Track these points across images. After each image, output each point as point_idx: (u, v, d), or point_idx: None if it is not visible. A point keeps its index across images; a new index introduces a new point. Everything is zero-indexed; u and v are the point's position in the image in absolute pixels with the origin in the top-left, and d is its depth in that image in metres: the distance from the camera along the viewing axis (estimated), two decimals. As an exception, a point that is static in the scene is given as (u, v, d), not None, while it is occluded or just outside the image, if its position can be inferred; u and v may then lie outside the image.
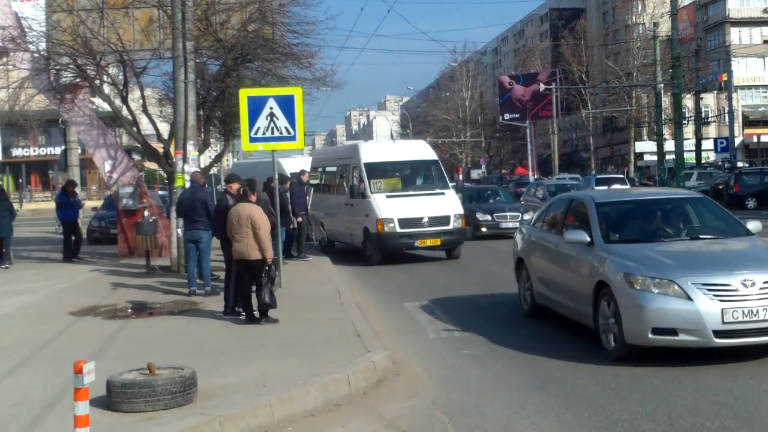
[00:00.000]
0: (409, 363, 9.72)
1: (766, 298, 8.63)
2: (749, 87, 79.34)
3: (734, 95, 63.34)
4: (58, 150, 61.93)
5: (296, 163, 28.10)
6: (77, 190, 24.49)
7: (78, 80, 20.37)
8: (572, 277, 10.60)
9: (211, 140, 24.76)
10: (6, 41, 19.58)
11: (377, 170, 20.82)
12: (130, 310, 13.48)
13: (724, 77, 64.66)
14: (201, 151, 19.66)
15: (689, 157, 53.87)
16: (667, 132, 57.96)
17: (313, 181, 24.66)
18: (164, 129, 21.58)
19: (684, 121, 50.66)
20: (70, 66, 19.84)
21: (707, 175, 47.82)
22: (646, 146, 73.13)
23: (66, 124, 37.27)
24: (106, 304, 14.05)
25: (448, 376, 9.08)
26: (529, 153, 77.54)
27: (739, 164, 55.86)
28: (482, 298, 14.38)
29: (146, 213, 20.18)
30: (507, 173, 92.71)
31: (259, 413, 7.46)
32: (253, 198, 12.25)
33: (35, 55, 20.22)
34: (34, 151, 63.19)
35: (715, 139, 56.63)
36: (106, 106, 21.68)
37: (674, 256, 9.66)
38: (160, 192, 32.56)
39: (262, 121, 14.94)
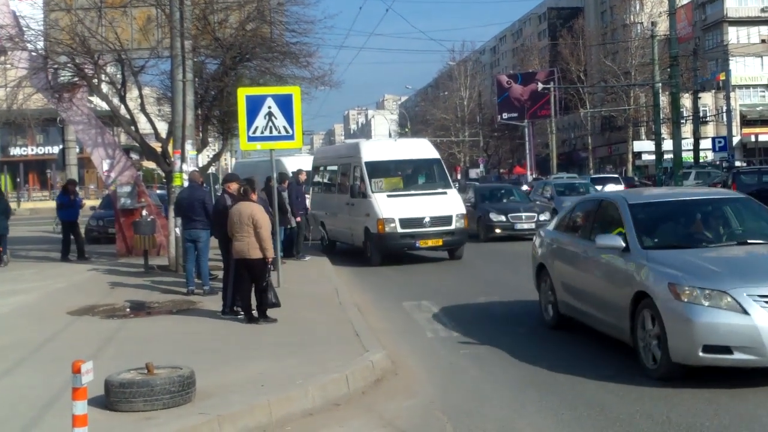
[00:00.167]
0: (408, 362, 9.72)
1: None
2: (747, 86, 79.39)
3: (732, 94, 63.43)
4: (56, 149, 61.90)
5: (298, 162, 28.06)
6: (76, 189, 24.43)
7: (76, 79, 20.34)
8: (605, 286, 9.63)
9: (210, 139, 24.76)
10: (4, 40, 19.53)
11: (378, 169, 20.53)
12: (128, 310, 13.47)
13: (722, 77, 64.74)
14: (199, 151, 19.64)
15: (687, 156, 53.94)
16: (665, 131, 58.00)
17: (315, 180, 24.57)
18: (162, 128, 21.56)
19: (682, 121, 50.58)
20: (68, 65, 19.81)
21: (705, 174, 47.83)
22: (644, 145, 73.17)
23: (64, 123, 37.28)
24: (104, 303, 14.03)
25: (447, 376, 9.08)
26: (527, 152, 77.59)
27: (737, 163, 55.87)
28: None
29: (144, 212, 20.17)
30: (505, 172, 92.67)
31: (258, 413, 7.46)
32: (254, 197, 12.25)
33: (33, 54, 20.20)
34: (32, 150, 63.15)
35: (713, 139, 56.71)
36: (104, 105, 21.66)
37: (724, 263, 8.70)
38: (158, 191, 32.55)
39: (260, 121, 14.93)
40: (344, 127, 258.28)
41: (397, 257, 19.86)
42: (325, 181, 24.36)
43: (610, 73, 76.81)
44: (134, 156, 48.06)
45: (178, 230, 16.79)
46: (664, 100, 57.55)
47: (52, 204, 49.47)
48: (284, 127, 14.97)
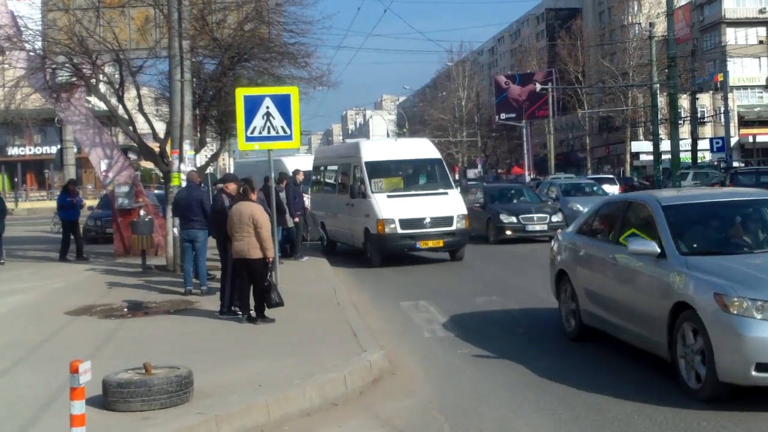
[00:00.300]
0: (406, 362, 9.73)
1: None
2: (745, 87, 79.40)
3: (730, 95, 63.40)
4: (53, 149, 61.88)
5: (298, 162, 28.02)
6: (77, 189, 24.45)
7: (74, 79, 20.33)
8: (637, 295, 8.78)
9: (208, 139, 24.77)
10: (2, 40, 19.52)
11: (378, 169, 20.31)
12: (126, 310, 13.46)
13: (720, 77, 64.71)
14: (197, 151, 19.65)
15: (685, 156, 54.03)
16: (663, 132, 58.07)
17: (316, 180, 24.46)
18: (160, 128, 21.53)
19: (680, 121, 50.74)
20: (66, 65, 19.80)
21: (703, 174, 47.86)
22: (642, 146, 73.21)
23: (62, 123, 37.27)
24: (101, 303, 14.03)
25: (445, 376, 9.09)
26: (525, 153, 77.54)
27: (735, 164, 55.91)
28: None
29: (142, 212, 20.18)
30: (503, 173, 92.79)
31: (256, 413, 7.46)
32: (254, 197, 12.26)
33: (31, 53, 20.19)
34: (30, 150, 63.12)
35: (711, 139, 56.76)
36: (102, 105, 21.67)
37: None
38: (155, 191, 32.54)
39: (258, 121, 14.91)
40: (342, 128, 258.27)
41: (396, 258, 19.71)
42: (326, 181, 24.14)
43: (608, 74, 76.86)
44: (132, 156, 48.13)
45: (175, 230, 16.79)
46: (662, 100, 57.59)
47: (50, 204, 49.59)
48: (282, 128, 14.96)
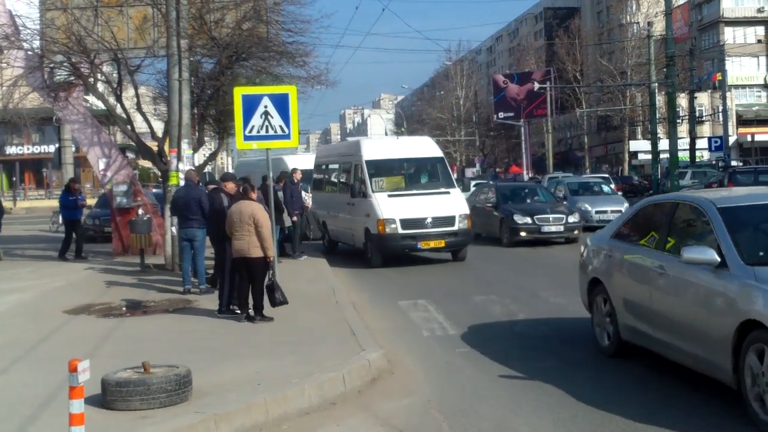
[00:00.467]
0: (404, 361, 9.73)
1: None
2: (743, 86, 79.46)
3: (728, 94, 63.46)
4: (52, 148, 61.81)
5: (300, 161, 27.98)
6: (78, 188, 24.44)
7: (72, 78, 20.33)
8: (692, 311, 7.69)
9: (206, 138, 24.74)
10: (0, 39, 19.51)
11: (379, 168, 20.03)
12: (124, 309, 13.46)
13: (719, 77, 64.79)
14: (195, 150, 19.63)
15: (683, 156, 54.07)
16: (661, 131, 58.15)
17: (317, 178, 24.31)
18: (158, 127, 21.53)
19: (678, 120, 50.80)
20: (64, 64, 19.79)
21: (701, 174, 47.89)
22: (640, 145, 73.31)
23: (60, 122, 37.27)
24: (100, 302, 14.03)
25: (443, 375, 9.09)
26: (523, 152, 77.59)
27: (733, 163, 55.94)
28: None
29: (140, 211, 20.17)
30: (501, 172, 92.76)
31: (254, 412, 7.46)
32: (254, 196, 12.26)
33: (29, 53, 20.17)
34: (28, 149, 63.07)
35: (710, 138, 56.79)
36: (100, 105, 21.64)
37: None
38: (154, 190, 32.53)
39: (256, 120, 14.92)
40: (340, 127, 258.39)
41: (396, 258, 19.49)
42: (327, 179, 23.85)
43: (607, 73, 76.93)
44: (130, 155, 48.16)
45: (174, 229, 16.80)
46: (660, 99, 57.70)
47: (49, 203, 49.61)
48: (280, 127, 14.96)
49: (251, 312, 11.79)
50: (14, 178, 63.18)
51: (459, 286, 15.96)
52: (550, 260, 19.90)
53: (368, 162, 19.86)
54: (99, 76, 20.01)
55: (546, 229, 23.09)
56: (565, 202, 25.58)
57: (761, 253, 7.48)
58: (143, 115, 20.79)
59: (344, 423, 7.54)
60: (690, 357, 7.77)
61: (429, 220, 18.93)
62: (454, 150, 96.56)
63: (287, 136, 15.10)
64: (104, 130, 23.80)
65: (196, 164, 19.25)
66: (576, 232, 23.15)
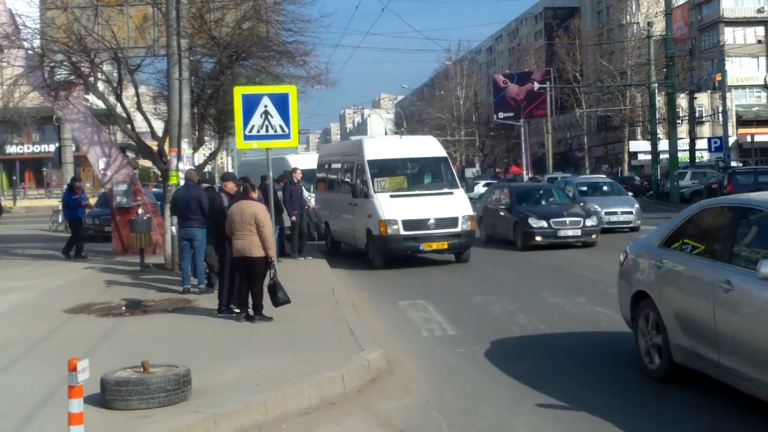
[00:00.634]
0: (404, 361, 9.73)
1: None
2: (743, 87, 79.46)
3: (728, 95, 63.44)
4: (52, 147, 61.79)
5: (303, 160, 27.91)
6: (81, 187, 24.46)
7: (72, 77, 20.32)
8: None
9: (206, 138, 24.74)
10: (0, 38, 19.52)
11: (381, 168, 19.73)
12: (124, 308, 13.46)
13: (718, 77, 64.81)
14: (195, 149, 19.63)
15: (683, 156, 54.09)
16: (661, 131, 58.20)
17: (320, 177, 24.13)
18: (158, 127, 21.53)
19: (678, 121, 50.82)
20: (65, 63, 19.79)
21: (701, 174, 47.90)
22: (640, 145, 73.32)
23: (60, 122, 37.27)
24: (100, 301, 14.03)
25: (443, 375, 9.09)
26: (523, 152, 77.61)
27: (733, 164, 55.97)
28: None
29: (140, 211, 20.17)
30: (501, 172, 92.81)
31: (253, 411, 7.46)
32: (254, 195, 12.26)
33: (29, 52, 20.17)
34: (28, 148, 63.05)
35: (709, 139, 56.76)
36: (101, 104, 21.66)
37: None
38: (154, 189, 32.54)
39: (256, 119, 14.92)
40: (340, 127, 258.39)
41: (397, 258, 19.21)
42: (329, 179, 23.47)
43: (607, 73, 76.93)
44: (130, 154, 48.11)
45: (174, 229, 16.79)
46: (660, 100, 57.71)
47: (49, 202, 49.59)
48: (280, 126, 14.96)
49: (251, 312, 11.80)
50: (14, 177, 63.18)
51: (458, 286, 15.96)
52: (555, 262, 19.84)
53: (370, 162, 19.60)
54: (99, 75, 20.00)
55: (562, 233, 22.05)
56: (581, 204, 24.52)
57: None
58: (143, 114, 20.78)
59: (343, 423, 7.54)
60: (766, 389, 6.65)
61: (432, 221, 18.61)
62: (454, 150, 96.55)
63: (287, 136, 15.10)
64: (104, 129, 23.80)
65: (196, 164, 19.25)
66: (594, 236, 22.28)
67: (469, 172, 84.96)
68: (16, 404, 7.70)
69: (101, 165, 21.64)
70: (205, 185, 15.02)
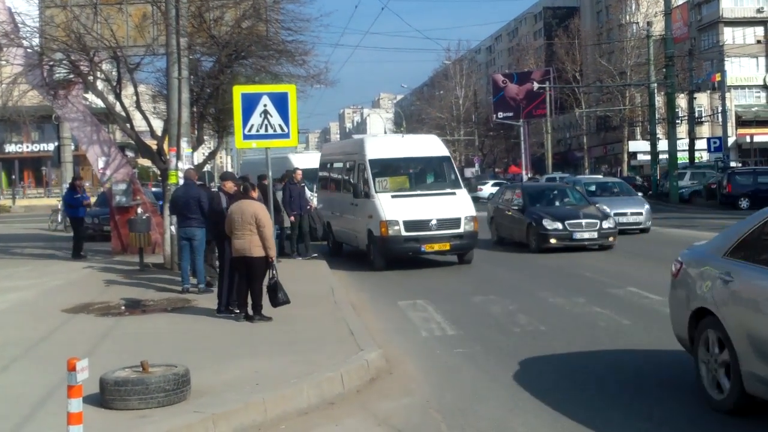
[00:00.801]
0: (403, 361, 9.72)
1: None
2: (742, 87, 79.50)
3: (727, 95, 63.52)
4: (51, 146, 61.73)
5: (306, 159, 27.82)
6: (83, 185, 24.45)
7: (71, 76, 20.32)
8: None
9: (205, 137, 24.75)
10: (-1, 36, 19.52)
11: (383, 167, 19.41)
12: (123, 308, 13.44)
13: (718, 77, 64.91)
14: (195, 148, 19.62)
15: (683, 156, 54.12)
16: (660, 131, 58.22)
17: (322, 176, 23.90)
18: (158, 126, 21.53)
19: (677, 121, 50.87)
20: (64, 62, 19.78)
21: (700, 174, 47.95)
22: (639, 145, 73.39)
23: (59, 121, 37.20)
24: (99, 301, 14.02)
25: (442, 375, 9.08)
26: (522, 152, 77.62)
27: (732, 164, 56.03)
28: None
29: (139, 210, 20.16)
30: (500, 172, 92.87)
31: (253, 411, 7.46)
32: (254, 195, 12.24)
33: (28, 50, 20.17)
34: (27, 147, 63.06)
35: (709, 139, 56.88)
36: (100, 103, 21.63)
37: None
38: (153, 189, 32.53)
39: (255, 119, 14.91)
40: (340, 126, 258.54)
41: (399, 260, 18.91)
42: (331, 178, 23.11)
43: (606, 73, 76.94)
44: (129, 153, 48.11)
45: (173, 228, 16.78)
46: (659, 100, 57.74)
47: (48, 201, 49.54)
48: (280, 125, 14.95)
49: (250, 311, 11.78)
50: (13, 176, 63.19)
51: (457, 286, 15.95)
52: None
53: (372, 161, 19.29)
54: (98, 74, 20.00)
55: (578, 235, 21.17)
56: (597, 205, 23.50)
57: None
58: (142, 113, 20.77)
59: (343, 423, 7.53)
60: None
61: (434, 221, 18.30)
62: (454, 150, 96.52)
63: (286, 135, 15.09)
64: (103, 128, 23.79)
65: (196, 163, 19.24)
66: (611, 238, 21.44)
67: (469, 172, 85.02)
68: (16, 404, 7.68)
69: (100, 164, 21.63)
70: (198, 183, 15.00)
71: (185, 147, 17.52)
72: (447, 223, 18.41)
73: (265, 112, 14.90)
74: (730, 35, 75.36)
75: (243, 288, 11.85)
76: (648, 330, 10.95)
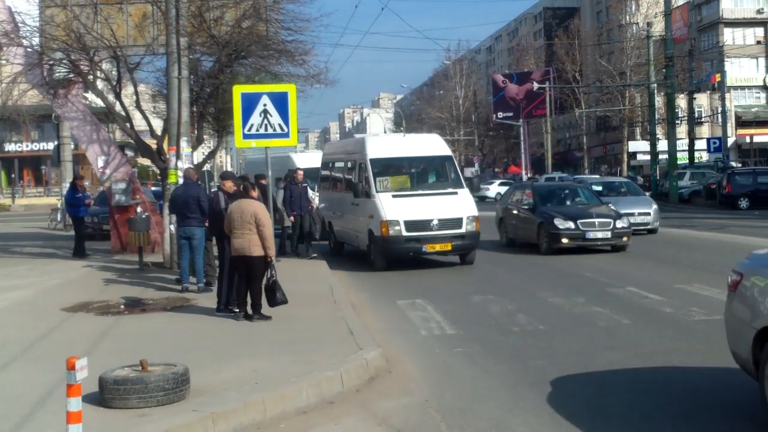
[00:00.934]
0: (402, 361, 9.71)
1: None
2: (742, 87, 79.56)
3: (727, 95, 63.53)
4: (51, 145, 61.74)
5: (308, 158, 27.75)
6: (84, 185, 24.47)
7: (71, 75, 20.33)
8: None
9: (205, 137, 24.74)
10: (-1, 36, 19.53)
11: (384, 167, 19.23)
12: (122, 306, 13.45)
13: (718, 78, 64.93)
14: (194, 148, 19.63)
15: (682, 157, 54.14)
16: (660, 132, 58.24)
17: (324, 175, 23.77)
18: (157, 125, 21.53)
19: (677, 121, 50.89)
20: (64, 61, 19.78)
21: (700, 174, 47.97)
22: (639, 146, 73.42)
23: (59, 120, 37.22)
24: (98, 300, 14.02)
25: (441, 375, 9.08)
26: (522, 152, 77.69)
27: (732, 164, 56.04)
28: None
29: (139, 209, 20.16)
30: (500, 171, 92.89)
31: (252, 410, 7.45)
32: (254, 194, 12.24)
33: (28, 49, 20.17)
34: (27, 146, 63.11)
35: (708, 139, 56.91)
36: (100, 102, 21.66)
37: None
38: (152, 188, 32.53)
39: (255, 118, 14.91)
40: (339, 126, 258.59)
41: (399, 260, 18.79)
42: (333, 177, 22.90)
43: (606, 73, 76.98)
44: (129, 153, 48.09)
45: (172, 227, 16.79)
46: (659, 100, 57.76)
47: (47, 200, 49.56)
48: (279, 125, 14.94)
49: (249, 311, 11.78)
50: (13, 175, 63.24)
51: (457, 286, 15.95)
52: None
53: (373, 160, 19.10)
54: (98, 73, 20.00)
55: (591, 235, 20.50)
56: (610, 204, 22.94)
57: None
58: (142, 112, 20.77)
59: (342, 422, 7.53)
60: None
61: (435, 222, 18.11)
62: (453, 149, 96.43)
63: (286, 135, 15.08)
64: (103, 127, 23.79)
65: (195, 162, 19.25)
66: (625, 238, 20.80)
67: (468, 172, 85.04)
68: (15, 403, 7.68)
69: (100, 163, 21.63)
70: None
71: (185, 146, 17.52)
72: (448, 223, 18.22)
73: (265, 112, 14.90)
74: (730, 36, 75.39)
75: (242, 287, 11.86)
76: (648, 329, 10.98)
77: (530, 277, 17.09)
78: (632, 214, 24.12)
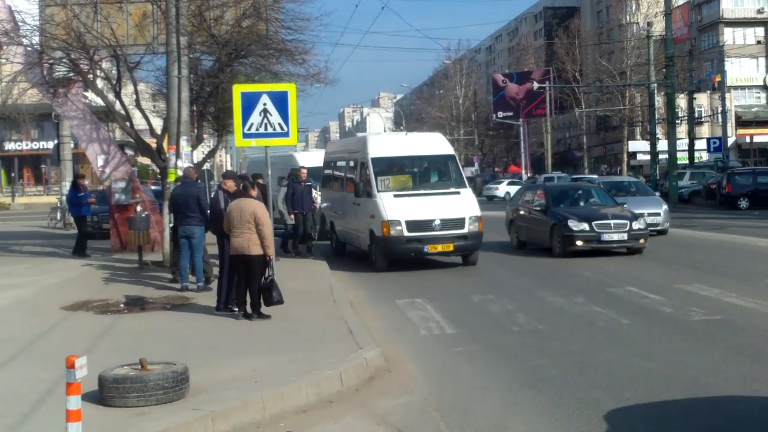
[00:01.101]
0: (402, 360, 9.72)
1: None
2: (742, 87, 79.52)
3: (727, 95, 63.53)
4: (50, 144, 61.72)
5: (311, 157, 27.66)
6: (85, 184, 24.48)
7: (71, 74, 20.33)
8: None
9: (205, 136, 24.73)
10: (-1, 35, 19.53)
11: (386, 166, 19.00)
12: (122, 305, 13.45)
13: (718, 78, 64.92)
14: (194, 147, 19.64)
15: (682, 156, 54.14)
16: (660, 131, 58.21)
17: (326, 174, 23.55)
18: (157, 124, 21.52)
19: (677, 121, 50.89)
20: (64, 60, 19.78)
21: (700, 174, 47.96)
22: (639, 145, 73.39)
23: (59, 119, 37.22)
24: (98, 298, 14.02)
25: (441, 373, 9.08)
26: (522, 151, 77.70)
27: (732, 164, 56.02)
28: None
29: (139, 208, 20.17)
30: (500, 171, 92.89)
31: (251, 409, 7.46)
32: (254, 193, 12.24)
33: (28, 48, 20.17)
34: (27, 145, 63.11)
35: (708, 139, 56.88)
36: (100, 101, 21.67)
37: None
38: (152, 187, 32.53)
39: (255, 117, 14.88)
40: (339, 125, 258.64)
41: (401, 261, 18.56)
42: (334, 176, 22.63)
43: (606, 73, 76.93)
44: (129, 152, 48.10)
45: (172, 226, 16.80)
46: (659, 100, 57.75)
47: (47, 199, 49.56)
48: (279, 124, 14.92)
49: (248, 309, 11.79)
50: (13, 174, 63.24)
51: (456, 285, 15.95)
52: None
53: (374, 159, 18.86)
54: (98, 72, 20.01)
55: (606, 237, 19.65)
56: (625, 205, 22.04)
57: None
58: (142, 111, 20.77)
59: (341, 421, 7.54)
60: None
61: (437, 222, 17.87)
62: (453, 149, 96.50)
63: (286, 134, 15.05)
64: (103, 126, 23.79)
65: (195, 161, 19.25)
66: (642, 240, 19.90)
67: (468, 172, 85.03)
68: (15, 401, 7.68)
69: (100, 162, 21.63)
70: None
71: (185, 145, 17.54)
72: (450, 223, 17.99)
73: (265, 111, 14.88)
74: (730, 36, 75.37)
75: (242, 286, 11.86)
76: (648, 329, 10.98)
77: (530, 277, 17.08)
78: (642, 215, 22.61)
